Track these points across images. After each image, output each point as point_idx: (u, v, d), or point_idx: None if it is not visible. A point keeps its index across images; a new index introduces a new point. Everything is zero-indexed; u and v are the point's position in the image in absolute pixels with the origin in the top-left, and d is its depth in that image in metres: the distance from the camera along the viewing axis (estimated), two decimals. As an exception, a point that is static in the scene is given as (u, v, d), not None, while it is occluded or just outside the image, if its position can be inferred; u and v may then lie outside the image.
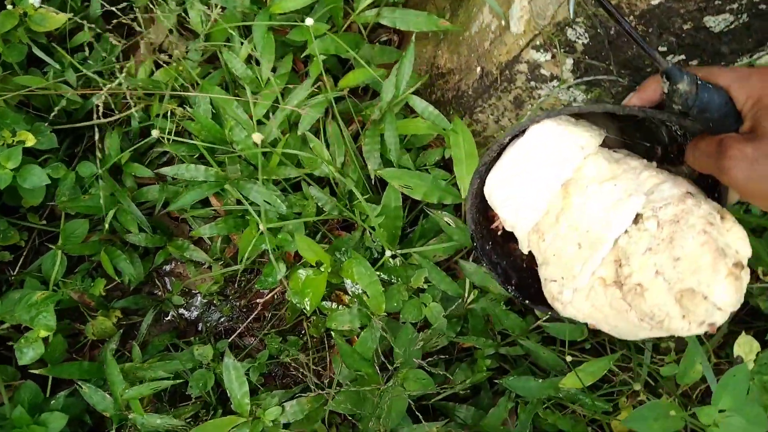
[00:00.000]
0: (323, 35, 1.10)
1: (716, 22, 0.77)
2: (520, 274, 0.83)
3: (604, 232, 0.67)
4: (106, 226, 1.17)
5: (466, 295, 1.03)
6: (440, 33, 1.30)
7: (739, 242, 0.63)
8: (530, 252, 0.76)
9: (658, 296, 0.60)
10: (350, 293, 1.04)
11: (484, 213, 0.85)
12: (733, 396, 0.82)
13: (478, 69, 1.18)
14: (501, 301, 1.05)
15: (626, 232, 0.65)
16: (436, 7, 1.31)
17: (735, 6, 0.74)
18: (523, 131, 0.79)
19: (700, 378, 0.95)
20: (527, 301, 0.80)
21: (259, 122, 1.13)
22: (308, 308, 1.01)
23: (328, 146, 1.13)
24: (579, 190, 0.71)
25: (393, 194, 1.07)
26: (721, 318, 0.59)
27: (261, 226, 1.06)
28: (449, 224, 1.03)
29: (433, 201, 1.05)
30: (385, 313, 1.00)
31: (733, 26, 0.77)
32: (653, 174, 0.70)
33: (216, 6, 1.18)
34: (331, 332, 1.04)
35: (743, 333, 1.09)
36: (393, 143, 1.06)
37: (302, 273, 1.04)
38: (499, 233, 0.86)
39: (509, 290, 0.81)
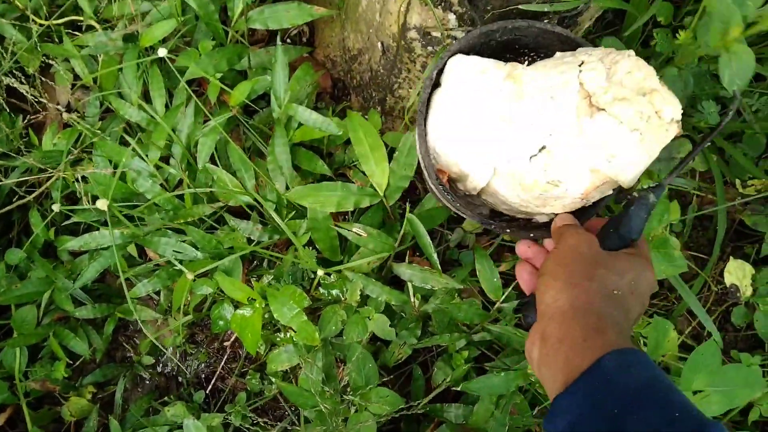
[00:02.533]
0: (210, 53, 1.02)
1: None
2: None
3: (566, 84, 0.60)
4: (41, 313, 1.13)
5: (412, 299, 0.93)
6: (342, 13, 1.18)
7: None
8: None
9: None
10: (281, 329, 0.96)
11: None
12: (707, 374, 0.71)
13: (379, 44, 1.07)
14: (453, 293, 0.95)
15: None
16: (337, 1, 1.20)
17: None
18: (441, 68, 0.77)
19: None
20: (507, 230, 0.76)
21: (158, 167, 1.06)
22: (249, 350, 0.94)
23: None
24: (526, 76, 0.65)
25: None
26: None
27: (188, 275, 0.99)
28: (360, 235, 0.93)
29: (350, 208, 0.95)
30: (330, 338, 0.92)
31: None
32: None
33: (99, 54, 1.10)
34: (270, 376, 0.96)
35: (731, 259, 0.96)
36: (285, 161, 0.97)
37: (240, 312, 0.97)
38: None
39: (487, 222, 0.77)
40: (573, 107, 0.59)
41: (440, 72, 0.79)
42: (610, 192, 0.68)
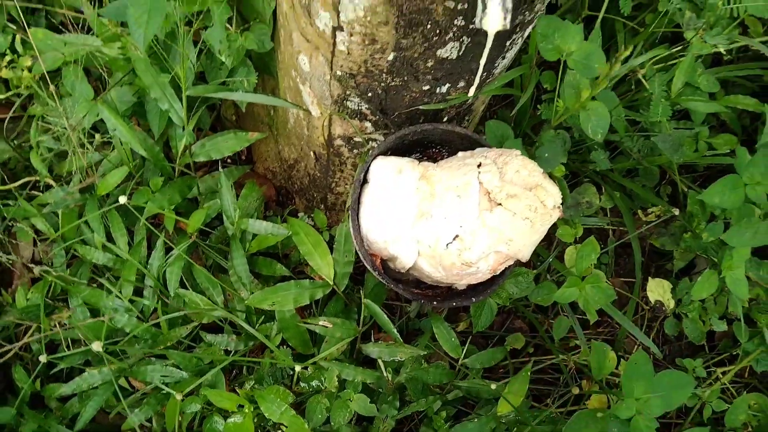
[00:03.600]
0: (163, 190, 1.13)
1: (449, 51, 0.80)
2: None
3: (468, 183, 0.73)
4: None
5: (385, 374, 1.03)
6: (273, 130, 1.32)
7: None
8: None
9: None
10: (271, 429, 1.04)
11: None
12: (644, 381, 0.83)
13: (311, 153, 1.21)
14: (420, 360, 1.06)
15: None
16: (259, 116, 1.34)
17: (451, 35, 0.76)
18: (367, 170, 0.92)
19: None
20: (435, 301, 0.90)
21: (133, 300, 1.14)
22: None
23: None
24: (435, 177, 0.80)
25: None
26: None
27: (177, 396, 1.06)
28: (326, 326, 1.04)
29: (307, 302, 1.06)
30: (319, 426, 1.00)
31: (464, 48, 0.80)
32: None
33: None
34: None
35: (650, 279, 1.10)
36: (244, 272, 1.09)
37: (231, 421, 1.04)
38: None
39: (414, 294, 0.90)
40: (476, 203, 0.73)
41: (367, 171, 0.93)
42: (512, 262, 0.82)
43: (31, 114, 1.33)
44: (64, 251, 1.28)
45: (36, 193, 1.28)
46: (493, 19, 0.52)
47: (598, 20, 1.23)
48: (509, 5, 0.52)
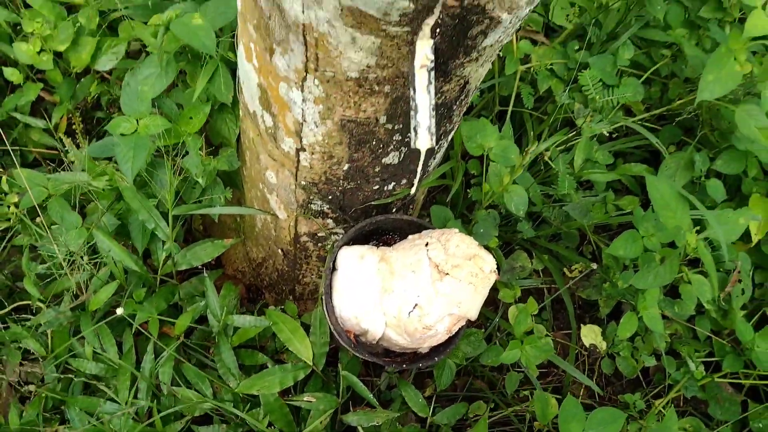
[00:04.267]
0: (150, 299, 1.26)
1: (391, 159, 1.00)
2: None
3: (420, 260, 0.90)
4: None
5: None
6: (241, 234, 1.49)
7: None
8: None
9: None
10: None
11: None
12: (577, 422, 1.00)
13: (279, 251, 1.37)
14: (395, 423, 1.19)
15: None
16: (226, 223, 1.51)
17: (391, 147, 0.96)
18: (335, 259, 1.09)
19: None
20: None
21: (133, 403, 1.24)
22: None
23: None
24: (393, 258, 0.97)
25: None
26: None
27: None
28: (310, 401, 1.17)
29: (290, 384, 1.19)
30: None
31: (403, 155, 1.00)
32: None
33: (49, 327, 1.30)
34: None
35: (582, 326, 1.29)
36: (232, 363, 1.22)
37: None
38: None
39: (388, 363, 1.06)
40: (428, 275, 0.91)
41: (335, 260, 1.10)
42: (464, 322, 0.99)
43: (16, 244, 1.45)
44: (55, 366, 1.37)
45: (25, 315, 1.38)
46: (423, 141, 0.71)
47: (508, 114, 1.48)
48: (433, 130, 0.72)
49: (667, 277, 1.17)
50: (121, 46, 1.43)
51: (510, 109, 1.51)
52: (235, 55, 1.17)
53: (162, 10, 1.28)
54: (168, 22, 1.01)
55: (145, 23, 1.34)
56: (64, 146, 1.60)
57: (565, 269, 1.39)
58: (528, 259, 1.35)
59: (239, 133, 1.25)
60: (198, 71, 1.17)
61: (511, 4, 0.68)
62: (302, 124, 0.93)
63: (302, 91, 0.86)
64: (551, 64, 1.45)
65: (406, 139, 0.95)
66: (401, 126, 0.90)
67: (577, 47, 1.43)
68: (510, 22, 0.73)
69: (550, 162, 1.28)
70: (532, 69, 1.49)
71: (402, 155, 0.99)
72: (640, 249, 1.17)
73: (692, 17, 1.46)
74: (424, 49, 0.70)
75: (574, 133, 1.35)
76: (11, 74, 1.49)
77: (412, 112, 0.71)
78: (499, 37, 0.76)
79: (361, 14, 0.67)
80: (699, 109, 1.39)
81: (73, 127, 1.59)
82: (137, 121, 1.13)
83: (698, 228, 1.14)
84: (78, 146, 1.35)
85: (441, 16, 0.66)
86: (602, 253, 1.35)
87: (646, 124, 1.48)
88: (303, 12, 0.73)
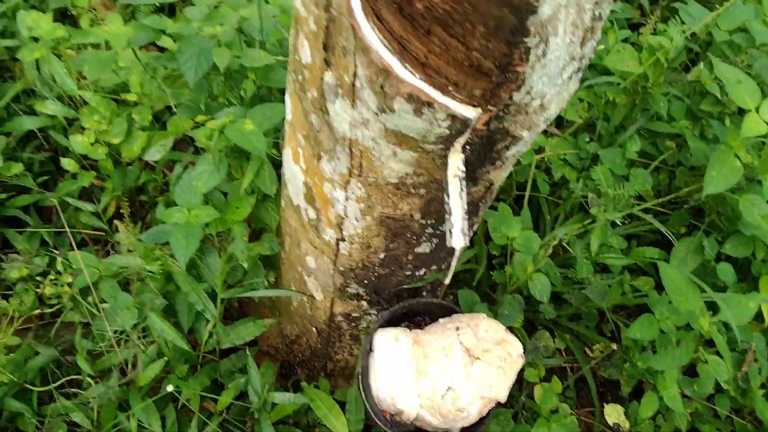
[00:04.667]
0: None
1: (423, 248, 1.10)
2: None
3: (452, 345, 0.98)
4: None
5: None
6: (276, 312, 1.58)
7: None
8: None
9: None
10: None
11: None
12: None
13: (314, 329, 1.46)
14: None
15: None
16: (262, 301, 1.60)
17: (424, 238, 1.06)
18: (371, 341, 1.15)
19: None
20: None
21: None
22: None
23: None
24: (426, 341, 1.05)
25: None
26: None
27: None
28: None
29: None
30: None
31: (434, 245, 1.10)
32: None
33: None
34: None
35: (605, 405, 1.34)
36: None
37: None
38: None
39: None
40: (460, 360, 0.99)
41: (371, 341, 1.18)
42: (494, 404, 1.06)
43: (65, 321, 1.55)
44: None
45: (72, 390, 1.47)
46: (457, 241, 0.81)
47: (525, 200, 1.59)
48: (467, 230, 0.82)
49: (684, 359, 1.23)
50: (169, 140, 1.57)
51: (527, 194, 1.62)
52: (278, 153, 1.30)
53: (210, 108, 1.43)
54: (222, 127, 1.14)
55: (192, 119, 1.49)
56: (112, 230, 1.73)
57: (586, 348, 1.45)
58: (551, 339, 1.42)
59: (279, 221, 1.36)
60: (244, 165, 1.30)
61: (531, 124, 0.79)
62: (344, 218, 1.04)
63: (345, 191, 0.98)
64: (564, 154, 1.56)
65: (437, 232, 1.05)
66: (433, 221, 1.01)
67: (587, 139, 1.55)
68: (529, 137, 0.84)
69: (567, 247, 1.37)
70: (546, 158, 1.60)
71: (433, 245, 1.09)
72: (656, 332, 1.24)
73: (694, 110, 1.58)
74: (456, 162, 0.81)
75: (590, 221, 1.44)
76: (68, 164, 1.63)
77: (446, 216, 0.81)
78: (520, 148, 0.87)
79: (402, 135, 0.78)
80: (706, 198, 1.48)
81: (121, 211, 1.72)
82: (189, 211, 1.24)
83: (711, 312, 1.22)
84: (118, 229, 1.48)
85: (471, 137, 0.77)
86: (621, 333, 1.42)
87: (657, 208, 1.58)
88: (350, 130, 0.84)
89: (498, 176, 0.96)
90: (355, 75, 0.75)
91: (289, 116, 1.04)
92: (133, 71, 1.31)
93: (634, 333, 1.24)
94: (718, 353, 1.34)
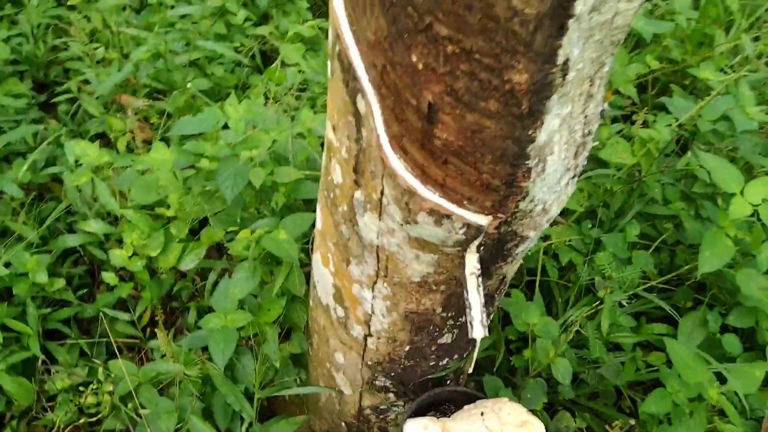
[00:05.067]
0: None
1: (446, 339, 1.19)
2: None
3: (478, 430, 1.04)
4: None
5: None
6: (305, 408, 1.64)
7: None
8: None
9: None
10: None
11: None
12: None
13: (343, 424, 1.52)
14: None
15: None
16: (290, 397, 1.67)
17: (446, 330, 1.16)
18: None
19: None
20: None
21: None
22: None
23: None
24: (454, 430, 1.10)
25: None
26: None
27: None
28: None
29: None
30: None
31: (455, 336, 1.19)
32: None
33: None
34: None
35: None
36: None
37: None
38: None
39: None
40: (488, 446, 1.06)
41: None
42: None
43: (107, 429, 1.61)
44: None
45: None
46: (478, 332, 0.91)
47: (537, 285, 1.68)
48: (486, 322, 0.92)
49: (699, 430, 1.28)
50: (203, 249, 1.70)
51: (537, 280, 1.72)
52: (306, 257, 1.42)
53: (242, 219, 1.56)
54: (259, 238, 1.26)
55: (224, 230, 1.62)
56: (146, 336, 1.82)
57: (606, 426, 1.50)
58: (571, 419, 1.48)
59: (307, 320, 1.46)
60: (275, 270, 1.41)
61: (536, 225, 0.91)
62: (371, 315, 1.14)
63: (373, 291, 1.08)
64: (569, 240, 1.68)
65: (457, 323, 1.15)
66: (454, 313, 1.11)
67: (590, 225, 1.67)
68: (535, 236, 0.95)
69: (580, 329, 1.46)
70: (553, 245, 1.71)
71: (454, 335, 1.18)
72: (670, 405, 1.30)
73: (687, 192, 1.70)
74: (472, 261, 0.92)
75: (598, 302, 1.53)
76: (108, 278, 1.75)
77: (467, 309, 0.91)
78: (528, 245, 0.98)
79: (424, 241, 0.90)
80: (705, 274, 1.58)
81: (156, 318, 1.82)
82: (225, 316, 1.35)
83: (720, 383, 1.28)
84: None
85: (484, 239, 0.89)
86: (638, 408, 1.48)
87: (662, 285, 1.68)
88: (377, 238, 0.96)
89: (510, 270, 1.07)
90: (382, 193, 0.88)
91: (319, 225, 1.16)
92: (172, 189, 1.45)
93: (648, 407, 1.30)
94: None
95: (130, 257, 1.73)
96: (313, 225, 1.41)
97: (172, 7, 2.26)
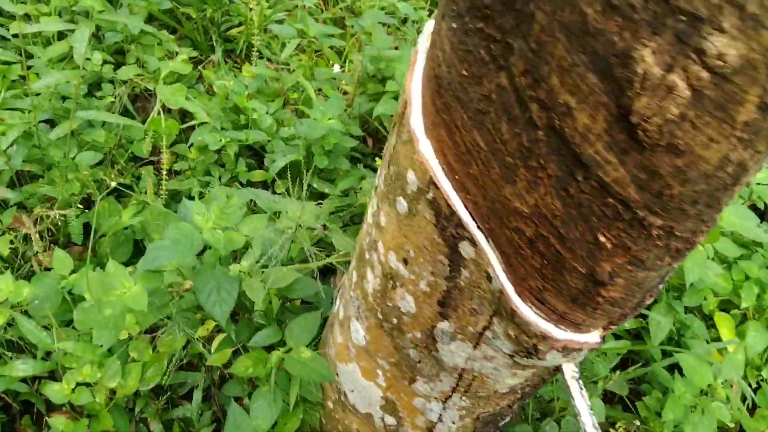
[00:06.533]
0: None
1: (507, 419, 1.16)
2: None
3: None
4: None
5: None
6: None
7: None
8: None
9: None
10: None
11: None
12: None
13: None
14: None
15: None
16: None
17: (510, 415, 1.13)
18: None
19: None
20: None
21: None
22: None
23: None
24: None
25: None
26: None
27: None
28: None
29: None
30: None
31: (512, 416, 1.17)
32: None
33: None
34: None
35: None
36: None
37: None
38: None
39: None
40: None
41: None
42: None
43: None
44: None
45: None
46: (592, 436, 0.90)
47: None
48: (597, 426, 0.90)
49: (710, 425, 1.41)
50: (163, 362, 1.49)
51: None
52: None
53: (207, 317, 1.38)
54: (279, 363, 1.12)
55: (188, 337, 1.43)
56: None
57: (610, 429, 1.59)
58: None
59: (323, 418, 1.35)
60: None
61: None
62: (436, 423, 1.08)
63: (444, 404, 1.02)
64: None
65: (514, 407, 1.12)
66: (520, 401, 1.08)
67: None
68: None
69: None
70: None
71: (512, 416, 1.16)
72: (682, 408, 1.40)
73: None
74: (570, 366, 0.90)
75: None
76: (59, 423, 1.48)
77: (578, 416, 0.89)
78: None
79: (530, 364, 0.86)
80: None
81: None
82: (246, 447, 1.20)
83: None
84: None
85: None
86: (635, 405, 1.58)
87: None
88: (465, 362, 0.90)
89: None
90: (485, 329, 0.82)
91: (362, 343, 1.06)
92: (144, 322, 1.24)
93: (667, 415, 1.39)
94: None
95: (73, 390, 1.48)
96: (321, 324, 1.29)
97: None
